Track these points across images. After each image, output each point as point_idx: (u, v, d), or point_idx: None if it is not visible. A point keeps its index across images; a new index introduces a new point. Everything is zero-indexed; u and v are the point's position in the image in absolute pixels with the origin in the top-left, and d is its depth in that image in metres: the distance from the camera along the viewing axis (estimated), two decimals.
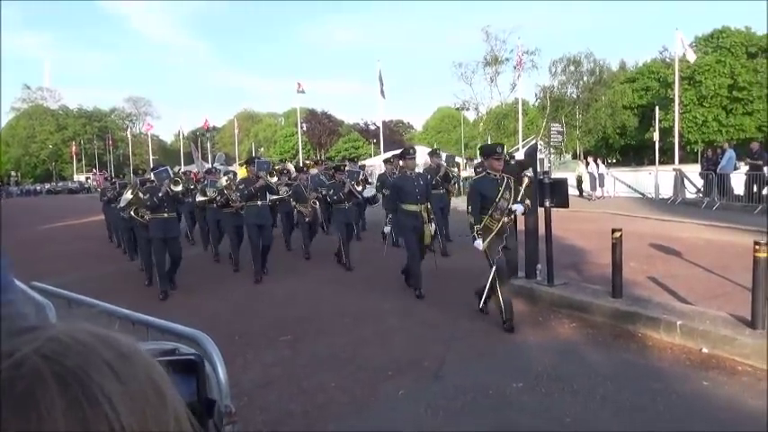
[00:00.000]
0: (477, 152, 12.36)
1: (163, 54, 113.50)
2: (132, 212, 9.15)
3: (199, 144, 45.75)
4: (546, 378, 4.53)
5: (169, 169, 8.85)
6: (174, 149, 66.48)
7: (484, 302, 6.16)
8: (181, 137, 57.43)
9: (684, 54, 24.48)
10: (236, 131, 51.94)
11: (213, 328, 5.30)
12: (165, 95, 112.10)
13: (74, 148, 68.18)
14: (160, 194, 8.02)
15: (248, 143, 62.53)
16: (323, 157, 45.29)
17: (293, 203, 11.14)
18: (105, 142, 64.88)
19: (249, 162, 9.79)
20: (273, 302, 7.55)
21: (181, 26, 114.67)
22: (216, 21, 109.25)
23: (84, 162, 70.40)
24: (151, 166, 19.56)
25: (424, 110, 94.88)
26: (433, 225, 7.49)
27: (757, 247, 4.89)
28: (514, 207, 5.95)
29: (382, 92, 30.96)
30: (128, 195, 9.24)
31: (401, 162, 7.97)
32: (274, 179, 9.25)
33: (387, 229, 9.38)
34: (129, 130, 69.58)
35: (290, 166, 14.99)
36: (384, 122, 40.74)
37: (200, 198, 11.06)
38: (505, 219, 5.97)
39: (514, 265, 6.65)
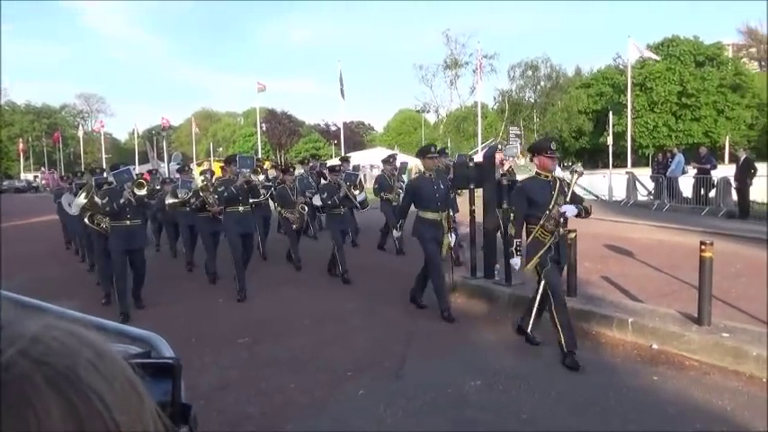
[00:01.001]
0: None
1: (118, 49, 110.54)
2: (87, 219, 7.67)
3: (155, 143, 44.73)
4: (503, 376, 4.61)
5: (132, 170, 7.49)
6: (128, 148, 64.72)
7: (524, 327, 5.35)
8: (135, 135, 56.01)
9: (642, 56, 25.30)
10: (194, 130, 50.98)
11: (169, 331, 5.20)
12: (119, 92, 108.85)
13: (21, 145, 65.55)
14: (122, 200, 6.73)
15: (206, 143, 61.39)
16: (283, 158, 44.86)
17: (278, 208, 9.83)
18: (53, 140, 62.57)
19: (229, 160, 8.19)
20: (232, 305, 7.44)
21: (137, 21, 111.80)
22: (175, 17, 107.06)
23: (32, 160, 67.80)
24: (103, 165, 18.68)
25: (385, 111, 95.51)
26: (453, 236, 6.66)
27: (703, 247, 5.10)
28: (564, 209, 4.91)
29: (342, 93, 30.94)
30: (80, 200, 7.77)
31: (420, 161, 6.88)
32: (260, 177, 7.97)
33: (397, 233, 8.10)
34: (80, 127, 67.35)
35: (266, 165, 13.72)
36: (345, 123, 40.71)
37: (170, 200, 9.67)
38: (561, 230, 5.00)
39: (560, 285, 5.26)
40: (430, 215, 6.38)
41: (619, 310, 5.70)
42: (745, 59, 45.95)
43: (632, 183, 18.70)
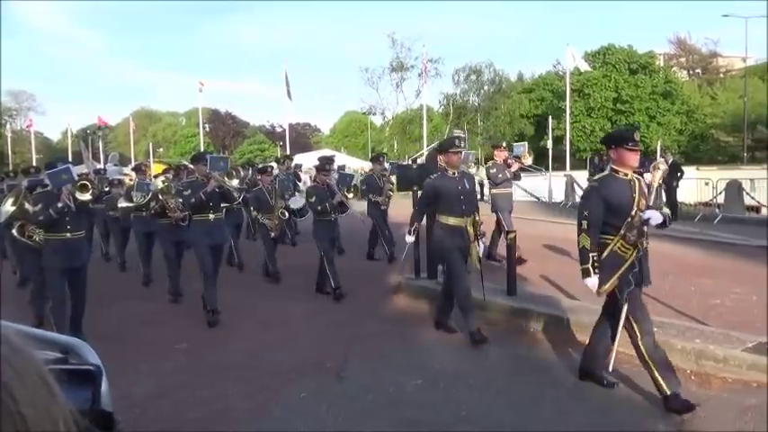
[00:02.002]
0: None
1: (51, 45, 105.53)
2: (16, 231, 6.39)
3: (89, 143, 42.95)
4: (444, 375, 4.68)
5: (72, 168, 6.03)
6: (61, 148, 61.78)
7: (601, 367, 4.35)
8: (69, 135, 53.58)
9: (577, 66, 26.27)
10: (132, 130, 49.32)
11: (102, 338, 5.02)
12: (51, 90, 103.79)
13: None
14: (59, 205, 5.45)
15: (145, 143, 59.45)
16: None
17: (254, 213, 8.76)
18: None
19: (198, 159, 6.88)
20: (170, 308, 7.23)
21: (72, 15, 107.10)
22: (113, 12, 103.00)
23: None
24: (34, 165, 17.64)
25: (331, 113, 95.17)
26: (481, 244, 5.76)
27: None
28: (647, 215, 3.99)
29: (289, 94, 30.66)
30: (7, 207, 6.38)
31: (442, 158, 5.83)
32: (234, 182, 6.73)
33: (410, 238, 6.38)
34: (8, 125, 63.87)
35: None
36: (291, 125, 40.39)
37: (123, 204, 8.57)
38: (645, 242, 4.12)
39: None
40: (453, 221, 5.48)
41: (556, 307, 5.89)
42: (675, 68, 48.36)
43: (571, 185, 19.36)
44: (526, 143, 11.61)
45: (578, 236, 4.12)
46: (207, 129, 54.70)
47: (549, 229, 12.60)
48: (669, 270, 7.94)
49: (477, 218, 5.63)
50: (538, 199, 21.77)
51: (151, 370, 5.04)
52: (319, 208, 7.27)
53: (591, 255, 4.06)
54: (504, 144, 10.03)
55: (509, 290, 6.42)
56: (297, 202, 9.73)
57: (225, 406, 4.24)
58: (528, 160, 9.79)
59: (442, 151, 5.79)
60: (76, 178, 5.73)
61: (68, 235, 5.62)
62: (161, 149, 61.01)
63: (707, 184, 16.96)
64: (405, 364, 4.97)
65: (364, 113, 48.12)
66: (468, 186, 5.60)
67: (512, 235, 6.79)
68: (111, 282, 8.84)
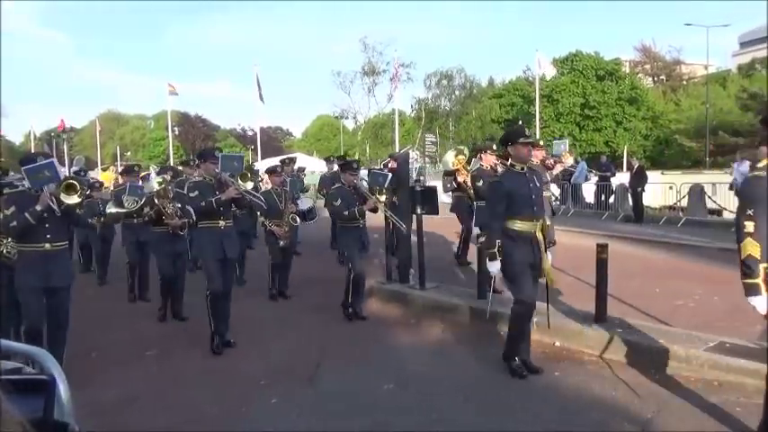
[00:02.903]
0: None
1: (13, 44, 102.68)
2: None
3: (54, 146, 41.95)
4: (416, 379, 4.70)
5: (57, 164, 4.88)
6: (23, 151, 60.22)
7: None
8: (32, 137, 52.19)
9: (543, 72, 26.74)
10: (98, 133, 48.33)
11: (70, 344, 4.89)
12: (14, 91, 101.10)
13: None
14: (38, 209, 4.45)
15: (112, 146, 58.34)
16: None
17: (261, 219, 7.85)
18: None
19: (205, 156, 5.84)
20: (138, 315, 7.10)
21: (36, 14, 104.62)
22: (79, 11, 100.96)
23: None
24: None
25: (303, 117, 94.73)
26: (550, 254, 4.85)
27: (599, 249, 5.45)
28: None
29: (261, 97, 30.45)
30: None
31: (509, 151, 4.83)
32: (249, 185, 5.86)
33: (496, 266, 4.62)
34: None
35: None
36: (262, 128, 40.05)
37: (112, 210, 7.50)
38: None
39: None
40: (522, 225, 4.55)
41: None
42: (640, 75, 49.51)
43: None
44: (567, 140, 9.03)
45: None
46: (176, 132, 53.86)
47: None
48: (635, 272, 8.12)
49: (546, 221, 4.84)
50: None
51: (120, 377, 4.95)
52: (346, 213, 6.36)
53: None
54: (542, 141, 8.52)
55: (479, 294, 6.48)
56: (304, 203, 9.10)
57: (194, 412, 4.18)
58: (569, 160, 8.22)
59: (508, 143, 4.75)
60: (62, 176, 4.62)
61: (47, 246, 4.59)
62: (128, 153, 59.87)
63: (671, 188, 17.40)
64: (376, 369, 4.98)
65: (336, 117, 48.11)
66: (538, 184, 4.77)
67: (482, 239, 6.83)
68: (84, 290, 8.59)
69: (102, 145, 51.93)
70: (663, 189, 18.04)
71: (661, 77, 51.14)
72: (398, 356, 5.32)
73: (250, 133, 56.62)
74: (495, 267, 4.60)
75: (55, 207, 4.55)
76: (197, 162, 6.86)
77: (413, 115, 44.40)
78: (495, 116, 43.08)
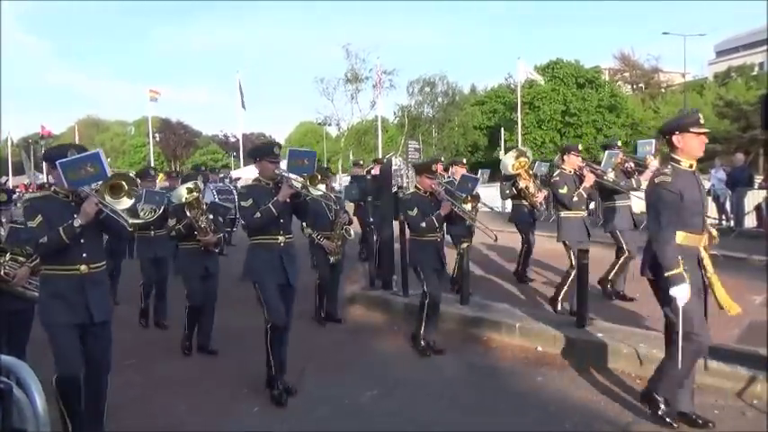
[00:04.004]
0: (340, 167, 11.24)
1: None
2: None
3: (32, 153, 41.32)
4: (400, 384, 4.71)
5: (103, 156, 3.67)
6: (0, 158, 59.27)
7: None
8: (9, 144, 51.37)
9: (528, 78, 27.04)
10: (77, 140, 47.76)
11: (42, 354, 4.80)
12: None
13: None
14: (81, 222, 3.43)
15: None
16: (178, 169, 43.03)
17: (309, 231, 6.65)
18: None
19: (264, 152, 4.54)
20: (116, 323, 6.99)
21: (16, 19, 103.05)
22: (59, 17, 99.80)
23: None
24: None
25: (286, 123, 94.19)
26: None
27: (581, 254, 5.50)
28: None
29: (243, 103, 30.35)
30: None
31: (675, 142, 3.83)
32: (321, 189, 4.68)
33: (684, 290, 3.55)
34: None
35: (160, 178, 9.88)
36: (245, 135, 39.90)
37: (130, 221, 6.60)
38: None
39: None
40: (688, 239, 3.69)
41: (508, 315, 6.00)
42: (619, 83, 50.28)
43: None
44: (654, 141, 7.39)
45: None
46: (157, 138, 53.41)
47: (501, 238, 12.81)
48: None
49: (713, 232, 3.92)
50: (492, 209, 22.10)
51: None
52: (423, 225, 5.37)
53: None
54: (620, 143, 7.15)
55: (462, 299, 6.52)
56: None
57: (176, 421, 4.14)
58: (653, 163, 6.67)
59: (674, 132, 3.84)
60: (109, 173, 3.55)
61: (83, 268, 3.53)
62: (108, 159, 59.08)
63: None
64: (360, 375, 4.97)
65: (319, 124, 47.96)
66: (705, 188, 4.07)
67: (464, 244, 6.87)
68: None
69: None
70: (642, 195, 18.25)
71: (640, 85, 51.99)
72: (382, 362, 5.32)
73: (232, 140, 56.27)
74: (683, 292, 3.51)
75: (105, 212, 3.45)
76: (175, 173, 6.39)
77: (396, 122, 44.51)
78: (478, 123, 43.43)
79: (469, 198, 5.87)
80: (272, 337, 4.51)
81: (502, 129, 32.31)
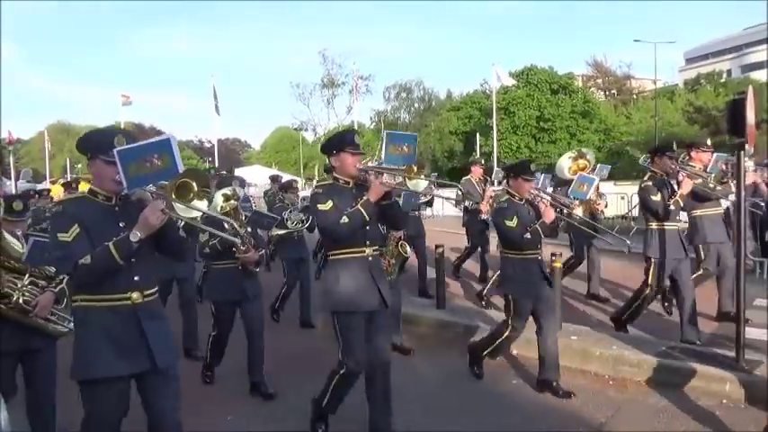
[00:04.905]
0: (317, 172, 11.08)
1: None
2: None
3: None
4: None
5: (174, 142, 2.74)
6: None
7: None
8: None
9: (501, 82, 27.33)
10: (47, 145, 46.82)
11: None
12: None
13: None
14: (136, 236, 2.57)
15: (62, 158, 56.48)
16: None
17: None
18: None
19: (342, 141, 3.63)
20: None
21: None
22: (26, 19, 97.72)
23: None
24: None
25: (262, 129, 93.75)
26: None
27: (553, 258, 5.56)
28: None
29: (217, 108, 30.06)
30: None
31: None
32: (422, 184, 3.80)
33: None
34: None
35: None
36: (220, 140, 39.55)
37: (277, 231, 6.15)
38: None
39: None
40: None
41: (483, 319, 6.03)
42: (592, 89, 51.11)
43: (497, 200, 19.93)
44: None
45: None
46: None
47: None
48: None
49: None
50: None
51: (69, 398, 4.74)
52: (529, 236, 4.41)
53: None
54: (709, 141, 6.09)
55: (438, 303, 6.53)
56: None
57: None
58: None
59: None
60: (181, 167, 2.66)
61: (136, 297, 2.70)
62: (79, 165, 58.09)
63: (623, 198, 17.90)
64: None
65: (296, 129, 47.91)
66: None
67: (440, 249, 6.88)
68: None
69: (51, 157, 50.29)
70: (615, 199, 18.53)
71: (612, 91, 52.91)
72: None
73: (207, 145, 55.73)
74: None
75: (169, 224, 2.64)
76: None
77: (372, 127, 44.65)
78: (454, 128, 43.75)
79: (580, 202, 5.01)
80: (340, 381, 3.67)
81: (477, 134, 32.61)
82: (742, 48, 56.04)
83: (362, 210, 3.39)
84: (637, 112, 45.73)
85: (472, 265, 9.89)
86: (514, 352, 5.38)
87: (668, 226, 5.31)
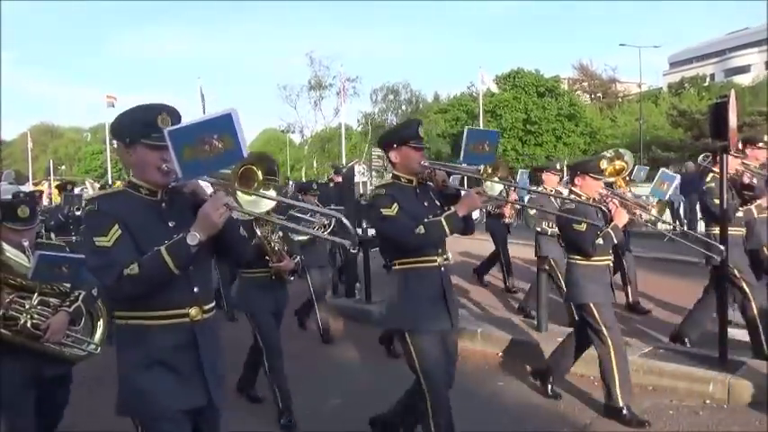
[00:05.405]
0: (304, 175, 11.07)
1: None
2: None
3: None
4: (362, 393, 4.66)
5: (238, 118, 2.04)
6: None
7: None
8: None
9: (483, 83, 27.50)
10: (30, 146, 46.26)
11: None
12: None
13: None
14: (198, 238, 2.05)
15: (45, 160, 55.80)
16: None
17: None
18: None
19: (405, 133, 3.22)
20: None
21: None
22: (8, 18, 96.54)
23: None
24: None
25: (248, 131, 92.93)
26: None
27: (540, 261, 5.59)
28: None
29: (204, 110, 29.89)
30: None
31: None
32: (498, 186, 3.39)
33: None
34: None
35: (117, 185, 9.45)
36: None
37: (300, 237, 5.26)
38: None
39: None
40: None
41: (469, 321, 6.03)
42: (578, 92, 51.52)
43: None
44: None
45: None
46: (115, 145, 52.05)
47: (465, 245, 12.92)
48: None
49: None
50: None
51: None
52: (602, 242, 3.94)
53: None
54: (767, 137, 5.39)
55: None
56: None
57: None
58: None
59: None
60: (246, 151, 2.10)
61: (194, 313, 2.20)
62: (63, 167, 57.47)
63: None
64: (323, 384, 4.92)
65: (283, 131, 47.73)
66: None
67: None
68: None
69: (34, 158, 49.67)
70: None
71: (598, 95, 53.38)
72: (347, 372, 5.29)
73: None
74: None
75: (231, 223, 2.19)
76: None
77: (359, 129, 44.65)
78: (441, 131, 43.88)
79: (657, 203, 4.46)
80: (435, 411, 3.16)
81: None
82: (725, 52, 56.85)
83: (445, 223, 2.94)
84: (622, 115, 46.18)
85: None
86: (500, 354, 5.40)
87: (734, 231, 4.79)
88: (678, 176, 5.13)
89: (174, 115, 2.20)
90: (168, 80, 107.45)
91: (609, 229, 3.95)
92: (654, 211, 4.28)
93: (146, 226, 2.14)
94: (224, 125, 2.04)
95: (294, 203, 2.98)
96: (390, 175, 3.29)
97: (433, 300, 3.08)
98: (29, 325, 2.87)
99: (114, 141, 2.30)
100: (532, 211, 6.39)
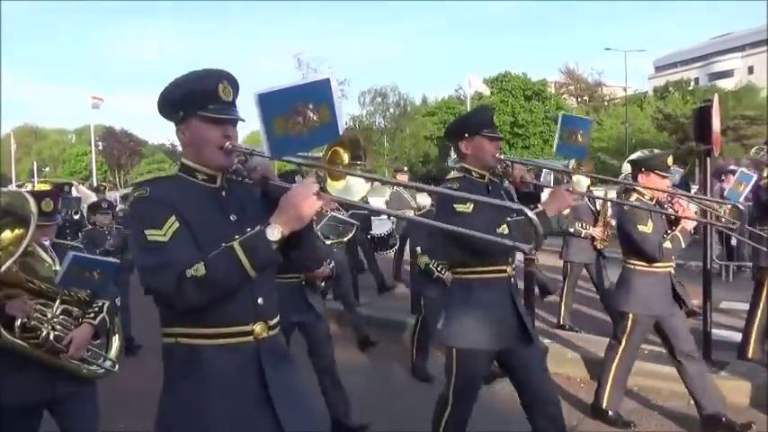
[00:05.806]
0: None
1: None
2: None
3: None
4: (350, 394, 4.63)
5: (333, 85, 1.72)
6: None
7: None
8: None
9: (471, 86, 27.66)
10: (13, 148, 45.71)
11: None
12: None
13: None
14: (279, 234, 1.66)
15: (29, 162, 55.15)
16: (123, 180, 41.75)
17: (424, 262, 4.89)
18: None
19: (477, 121, 2.94)
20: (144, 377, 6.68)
21: None
22: None
23: None
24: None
25: (237, 132, 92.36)
26: None
27: (527, 261, 5.61)
28: None
29: None
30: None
31: None
32: (585, 183, 3.38)
33: None
34: None
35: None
36: None
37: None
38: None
39: None
40: None
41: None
42: (565, 95, 51.95)
43: None
44: None
45: None
46: (100, 147, 51.64)
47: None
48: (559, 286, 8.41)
49: None
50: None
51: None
52: (669, 246, 3.64)
53: None
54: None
55: (413, 308, 6.53)
56: (381, 225, 6.73)
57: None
58: None
59: None
60: (341, 127, 1.75)
61: (259, 330, 1.83)
62: (47, 168, 56.87)
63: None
64: (309, 385, 4.88)
65: None
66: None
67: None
68: None
69: (17, 160, 49.08)
70: None
71: (584, 98, 53.86)
72: None
73: (180, 149, 55.02)
74: None
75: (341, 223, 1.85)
76: None
77: None
78: (429, 133, 44.01)
79: (731, 208, 3.93)
80: (449, 423, 3.04)
81: None
82: (709, 56, 57.63)
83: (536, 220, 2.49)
84: (608, 118, 46.60)
85: None
86: None
87: None
88: (755, 176, 4.63)
89: (235, 86, 1.86)
90: (154, 81, 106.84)
91: (677, 232, 3.61)
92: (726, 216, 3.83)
93: (204, 219, 1.75)
94: (322, 93, 1.68)
95: (359, 204, 2.29)
96: (459, 167, 2.94)
97: (497, 315, 2.76)
98: (51, 338, 2.43)
99: (166, 118, 1.90)
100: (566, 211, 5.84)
